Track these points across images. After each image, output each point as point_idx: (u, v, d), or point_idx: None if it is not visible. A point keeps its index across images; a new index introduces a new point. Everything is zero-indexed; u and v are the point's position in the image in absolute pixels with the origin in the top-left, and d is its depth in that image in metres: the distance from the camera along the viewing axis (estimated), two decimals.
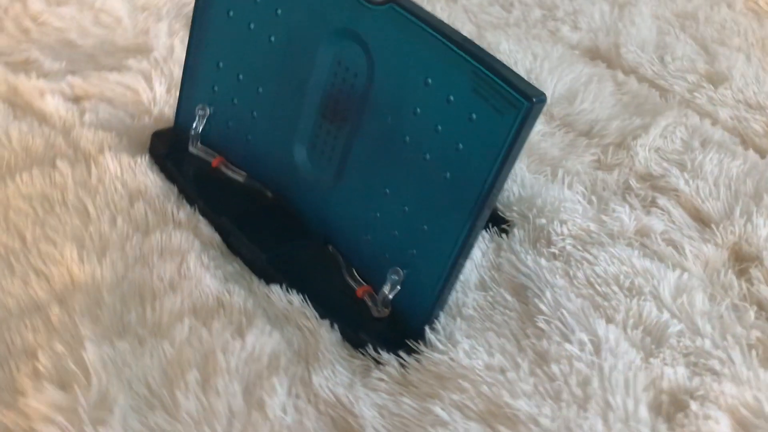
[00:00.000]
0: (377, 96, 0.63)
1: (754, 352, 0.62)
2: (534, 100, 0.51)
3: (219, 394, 0.57)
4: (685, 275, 0.67)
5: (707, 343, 0.62)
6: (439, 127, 0.58)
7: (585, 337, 0.60)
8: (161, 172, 0.76)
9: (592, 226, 0.71)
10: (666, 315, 0.63)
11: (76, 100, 0.83)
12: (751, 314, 0.65)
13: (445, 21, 0.85)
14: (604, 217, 0.72)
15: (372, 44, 0.62)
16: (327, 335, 0.63)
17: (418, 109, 0.59)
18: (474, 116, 0.55)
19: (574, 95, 0.86)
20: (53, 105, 0.81)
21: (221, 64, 0.74)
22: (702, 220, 0.76)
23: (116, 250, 0.67)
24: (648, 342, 0.61)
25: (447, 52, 0.56)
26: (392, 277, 0.64)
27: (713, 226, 0.74)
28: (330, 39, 0.65)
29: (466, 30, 0.94)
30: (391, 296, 0.64)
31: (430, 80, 0.58)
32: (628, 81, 0.90)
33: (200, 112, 0.76)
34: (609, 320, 0.62)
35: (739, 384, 0.59)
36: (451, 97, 0.56)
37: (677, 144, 0.82)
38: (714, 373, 0.60)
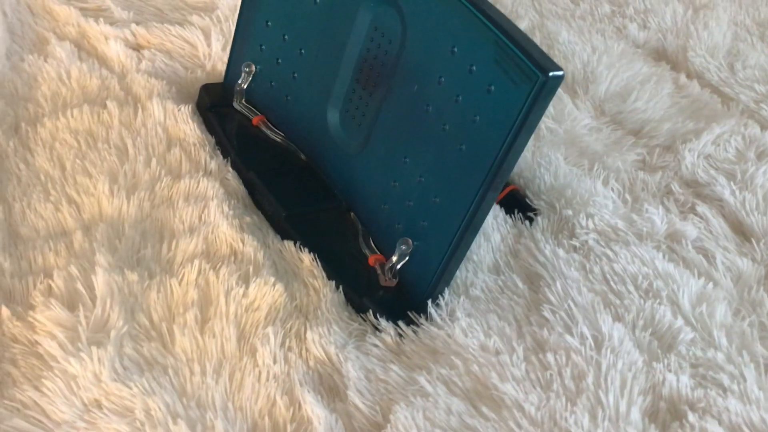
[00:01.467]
0: (407, 63, 0.63)
1: None
2: (550, 74, 0.50)
3: (214, 336, 0.59)
4: (710, 285, 0.64)
5: (720, 356, 0.58)
6: (460, 98, 0.57)
7: (587, 331, 0.58)
8: (203, 123, 0.78)
9: (620, 224, 0.68)
10: (680, 321, 0.60)
11: (137, 47, 0.87)
12: None
13: (510, 6, 0.84)
14: (634, 217, 0.69)
15: (406, 10, 0.62)
16: (330, 295, 0.63)
17: (443, 78, 0.59)
18: (492, 88, 0.54)
19: (628, 93, 0.83)
20: (115, 50, 0.85)
21: (270, 23, 0.75)
22: (743, 234, 0.72)
23: (146, 189, 0.69)
24: (655, 346, 0.59)
25: (474, 20, 0.55)
26: (401, 247, 0.64)
27: (754, 241, 0.70)
28: (368, 3, 0.65)
29: (529, 17, 0.92)
30: (399, 266, 0.64)
31: (456, 48, 0.57)
32: (689, 85, 0.86)
33: (246, 69, 0.78)
34: (617, 318, 0.60)
35: (746, 403, 0.56)
36: (474, 67, 0.56)
37: (730, 153, 0.78)
38: (721, 387, 0.57)
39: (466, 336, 0.59)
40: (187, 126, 0.76)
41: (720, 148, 0.78)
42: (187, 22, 0.91)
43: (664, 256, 0.66)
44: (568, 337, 0.58)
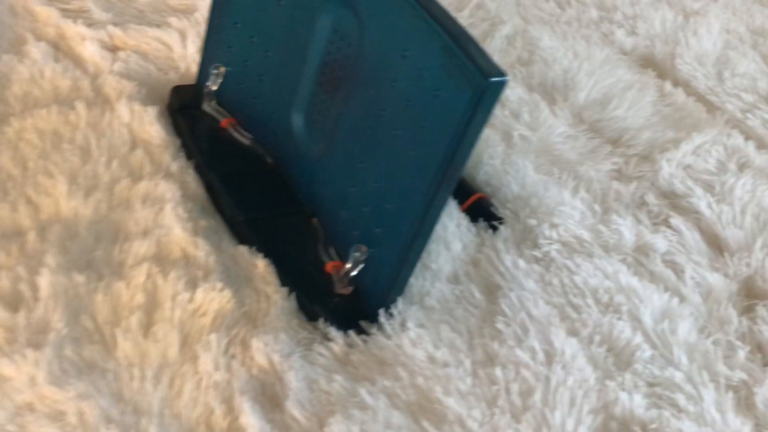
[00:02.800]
0: (364, 66, 0.61)
1: (731, 394, 0.56)
2: (491, 80, 0.48)
3: (157, 341, 0.58)
4: (676, 301, 0.61)
5: (678, 376, 0.56)
6: (410, 103, 0.56)
7: (538, 346, 0.56)
8: (171, 125, 0.78)
9: (586, 235, 0.66)
10: (639, 338, 0.58)
11: (113, 49, 0.86)
12: (741, 354, 0.59)
13: (493, 11, 0.83)
14: (602, 228, 0.67)
15: (363, 12, 0.60)
16: (281, 302, 0.62)
17: (395, 83, 0.57)
18: (439, 93, 0.53)
19: (609, 100, 0.81)
20: (90, 51, 0.84)
21: (238, 25, 0.74)
22: (718, 248, 0.69)
23: (105, 190, 0.69)
24: (610, 362, 0.56)
25: (423, 24, 0.54)
26: (355, 254, 0.62)
27: (728, 255, 0.67)
28: (328, 5, 0.64)
29: (512, 22, 0.90)
30: (353, 273, 0.63)
31: (407, 52, 0.56)
32: (674, 93, 0.83)
33: (214, 71, 0.77)
34: (572, 333, 0.58)
35: (702, 425, 0.53)
36: (423, 72, 0.54)
37: (711, 164, 0.75)
38: (676, 408, 0.54)
39: (414, 347, 0.57)
40: (152, 127, 0.75)
41: (700, 159, 0.75)
42: (165, 24, 0.90)
43: (629, 270, 0.63)
44: (518, 351, 0.56)
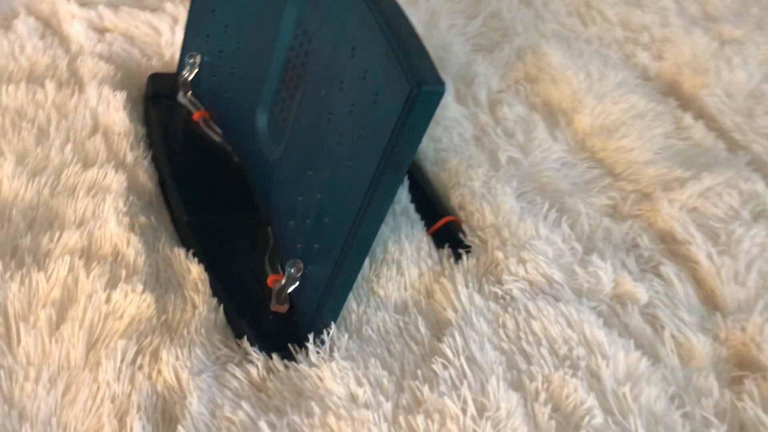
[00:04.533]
0: (319, 64, 0.56)
1: None
2: (422, 88, 0.42)
3: (62, 342, 0.53)
4: (645, 362, 0.53)
5: None
6: (353, 108, 0.50)
7: (470, 397, 0.49)
8: (142, 113, 0.74)
9: (557, 276, 0.58)
10: (592, 400, 0.50)
11: (102, 30, 0.83)
12: None
13: (507, 22, 0.77)
14: (577, 269, 0.59)
15: (322, 4, 0.55)
16: (207, 314, 0.57)
17: (343, 84, 0.52)
18: (377, 98, 0.46)
19: (616, 128, 0.73)
20: (77, 30, 0.82)
21: (215, 12, 0.70)
22: (714, 305, 0.60)
23: (52, 174, 0.65)
24: (553, 426, 0.49)
25: (372, 20, 0.47)
26: (289, 269, 0.57)
27: (721, 315, 0.59)
28: None
29: (526, 36, 0.83)
30: (289, 290, 0.57)
31: (355, 50, 0.50)
32: (693, 126, 0.74)
33: (189, 61, 0.73)
34: (515, 386, 0.51)
35: None
36: (366, 74, 0.48)
37: (721, 209, 0.66)
38: None
39: (335, 381, 0.51)
40: (117, 114, 0.71)
41: (708, 202, 0.66)
42: (161, 8, 0.87)
43: (599, 319, 0.56)
44: (447, 400, 0.49)
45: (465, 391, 0.50)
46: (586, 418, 0.49)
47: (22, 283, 0.56)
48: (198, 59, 0.73)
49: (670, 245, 0.65)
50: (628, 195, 0.68)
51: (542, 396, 0.50)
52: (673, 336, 0.56)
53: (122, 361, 0.53)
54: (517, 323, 0.55)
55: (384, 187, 0.46)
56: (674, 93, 0.80)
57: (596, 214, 0.65)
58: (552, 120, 0.75)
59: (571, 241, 0.62)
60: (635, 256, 0.63)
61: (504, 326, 0.55)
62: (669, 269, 0.61)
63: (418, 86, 0.42)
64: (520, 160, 0.69)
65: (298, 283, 0.57)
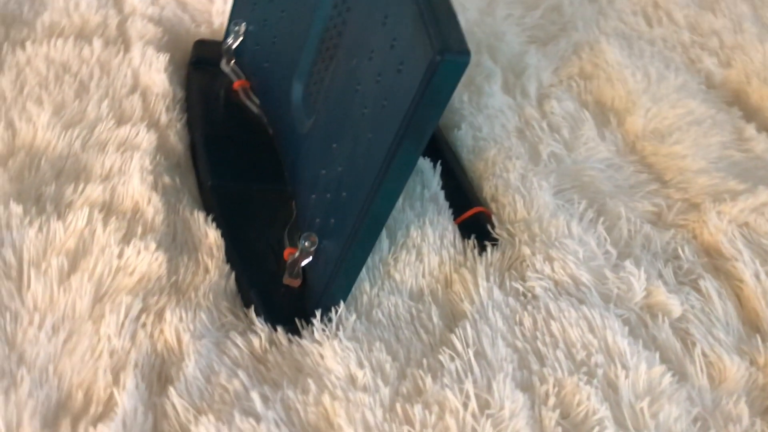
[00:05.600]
0: (352, 34, 0.54)
1: None
2: (445, 55, 0.39)
3: (69, 291, 0.53)
4: (670, 377, 0.49)
5: None
6: (379, 77, 0.48)
7: (473, 392, 0.46)
8: (182, 77, 0.74)
9: (585, 278, 0.55)
10: (605, 412, 0.47)
11: None
12: None
13: (568, 16, 0.74)
14: (608, 273, 0.56)
15: None
16: (217, 280, 0.56)
17: (373, 53, 0.49)
18: (402, 67, 0.44)
19: (670, 133, 0.69)
20: None
21: None
22: (756, 328, 0.56)
23: (85, 128, 0.65)
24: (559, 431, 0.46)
25: None
26: (303, 242, 0.55)
27: (762, 339, 0.54)
28: None
29: (586, 31, 0.79)
30: (303, 264, 0.55)
31: (387, 18, 0.48)
32: (756, 138, 0.69)
33: (235, 29, 0.72)
34: (524, 386, 0.48)
35: None
36: (395, 42, 0.46)
37: None
38: None
39: (336, 360, 0.49)
40: (158, 75, 0.71)
41: (762, 219, 0.62)
42: None
43: (625, 328, 0.52)
44: (450, 393, 0.47)
45: (469, 385, 0.47)
46: (596, 429, 0.46)
47: (40, 230, 0.56)
48: (243, 27, 0.72)
49: (715, 260, 0.60)
50: (674, 203, 0.64)
51: (552, 400, 0.47)
52: (704, 354, 0.52)
53: (126, 316, 0.52)
54: (535, 322, 0.52)
55: (400, 160, 0.44)
56: (739, 103, 0.75)
57: (637, 219, 0.62)
58: (602, 119, 0.71)
59: (605, 244, 0.58)
60: (674, 267, 0.58)
61: (521, 324, 0.52)
62: (709, 284, 0.57)
63: (441, 54, 0.39)
64: (563, 157, 0.66)
65: (311, 257, 0.55)
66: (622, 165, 0.67)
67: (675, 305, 0.55)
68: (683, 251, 0.60)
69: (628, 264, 0.56)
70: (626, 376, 0.49)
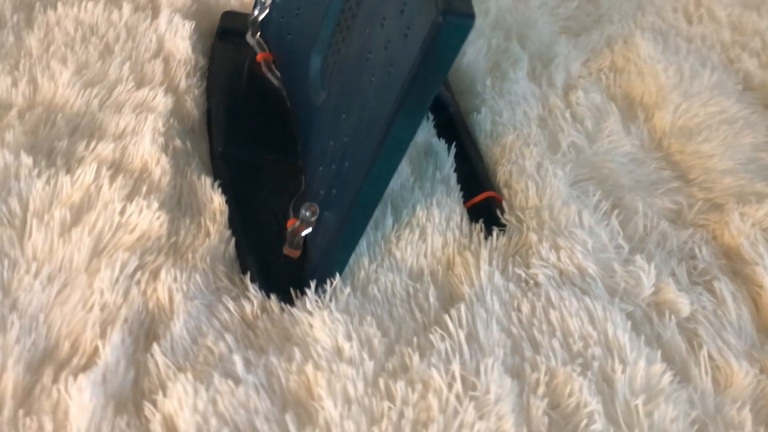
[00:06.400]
0: (369, 3, 0.53)
1: None
2: (447, 17, 0.38)
3: (68, 243, 0.53)
4: (669, 377, 0.47)
5: None
6: (387, 44, 0.47)
7: (459, 373, 0.45)
8: (207, 46, 0.74)
9: (592, 269, 0.53)
10: (597, 405, 0.45)
11: None
12: None
13: (604, 9, 0.73)
14: (617, 266, 0.53)
15: None
16: (217, 244, 0.55)
17: (384, 20, 0.48)
18: (408, 32, 0.43)
19: (699, 131, 0.66)
20: None
21: None
22: (766, 335, 0.53)
23: (105, 88, 0.65)
24: (545, 422, 0.44)
25: None
26: (304, 212, 0.54)
27: None
28: None
29: (621, 25, 0.77)
30: (303, 234, 0.54)
31: None
32: None
33: (262, 1, 0.72)
34: (513, 372, 0.46)
35: None
36: (405, 7, 0.45)
37: None
38: None
39: (324, 331, 0.48)
40: (182, 42, 0.71)
41: None
42: None
43: (627, 322, 0.50)
44: (435, 372, 0.45)
45: (456, 366, 0.45)
46: (585, 422, 0.44)
47: (47, 182, 0.57)
48: (269, 0, 0.72)
49: (734, 263, 0.57)
50: (696, 202, 0.61)
51: (541, 389, 0.45)
52: (711, 357, 0.50)
53: (121, 272, 0.52)
54: (533, 309, 0.50)
55: (399, 127, 0.43)
56: None
57: (655, 215, 0.59)
58: (630, 113, 0.69)
59: (617, 237, 0.56)
60: (689, 266, 0.56)
61: (518, 310, 0.50)
62: (724, 286, 0.54)
63: (444, 15, 0.38)
64: (584, 148, 0.64)
65: (311, 228, 0.54)
66: (645, 160, 0.64)
67: (684, 304, 0.52)
68: (700, 251, 0.57)
69: (639, 258, 0.54)
70: (623, 371, 0.47)
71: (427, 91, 0.41)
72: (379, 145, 0.44)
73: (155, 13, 0.75)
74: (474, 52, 0.71)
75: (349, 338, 0.48)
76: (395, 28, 0.46)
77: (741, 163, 0.63)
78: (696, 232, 0.59)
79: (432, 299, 0.52)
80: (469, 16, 0.38)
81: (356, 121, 0.51)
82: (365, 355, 0.46)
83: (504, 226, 0.58)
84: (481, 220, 0.58)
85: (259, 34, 0.73)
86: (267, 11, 0.72)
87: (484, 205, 0.60)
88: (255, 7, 0.73)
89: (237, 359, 0.46)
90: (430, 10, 0.39)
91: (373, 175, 0.46)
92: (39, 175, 0.57)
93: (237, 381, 0.45)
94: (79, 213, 0.55)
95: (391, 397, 0.44)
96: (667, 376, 0.47)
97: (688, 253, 0.57)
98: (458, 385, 0.44)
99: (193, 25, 0.73)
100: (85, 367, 0.47)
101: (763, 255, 0.56)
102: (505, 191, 0.60)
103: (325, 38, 0.62)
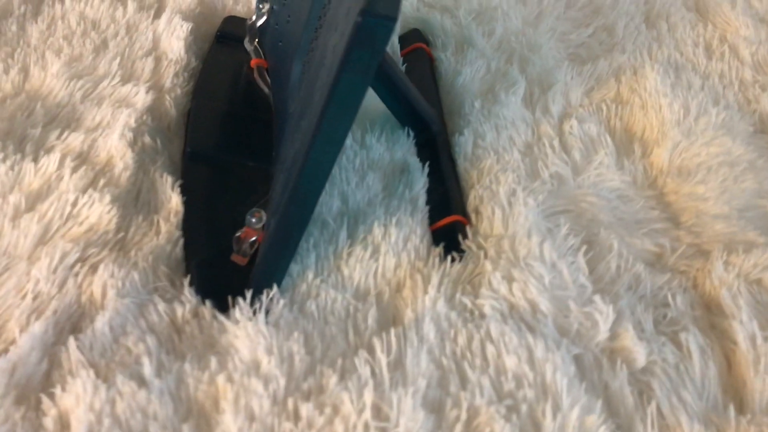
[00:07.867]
0: (333, 7, 0.51)
1: None
2: (366, 17, 0.36)
3: (18, 229, 0.53)
4: (607, 431, 0.43)
5: None
6: (335, 47, 0.45)
7: (370, 401, 0.42)
8: (203, 49, 0.73)
9: (544, 306, 0.49)
10: None
11: None
12: None
13: (619, 38, 0.72)
14: (573, 305, 0.50)
15: None
16: (164, 244, 0.54)
17: (338, 24, 0.46)
18: (344, 33, 0.41)
19: (696, 171, 0.61)
20: None
21: None
22: (736, 399, 0.48)
23: (91, 81, 0.66)
24: None
25: None
26: (249, 218, 0.53)
27: (739, 411, 0.46)
28: None
29: (632, 56, 0.73)
30: (250, 241, 0.53)
31: None
32: None
33: (260, 6, 0.71)
34: (432, 408, 0.43)
35: None
36: (350, 10, 0.42)
37: None
38: None
39: (247, 343, 0.46)
40: (177, 42, 0.71)
41: None
42: None
43: (571, 367, 0.46)
44: (347, 397, 0.43)
45: (369, 394, 0.43)
46: None
47: (11, 168, 0.57)
48: (267, 6, 0.71)
49: (713, 315, 0.53)
50: (680, 246, 0.56)
51: (459, 428, 0.42)
52: (661, 415, 0.45)
53: (60, 262, 0.51)
54: (470, 341, 0.47)
55: (324, 130, 0.41)
56: None
57: (631, 256, 0.55)
58: (627, 147, 0.65)
59: (580, 275, 0.52)
60: (659, 314, 0.52)
61: (454, 341, 0.47)
62: (692, 339, 0.50)
63: (363, 15, 0.36)
64: (567, 179, 0.60)
65: (257, 236, 0.52)
66: (633, 198, 0.60)
67: (640, 354, 0.48)
68: (674, 299, 0.53)
69: (598, 300, 0.50)
70: (554, 418, 0.43)
71: (351, 94, 0.40)
72: (308, 151, 0.42)
73: (158, 13, 0.75)
74: (470, 73, 0.69)
75: (269, 353, 0.46)
76: (342, 31, 0.44)
77: (737, 209, 0.58)
78: (674, 278, 0.54)
79: (371, 321, 0.49)
80: (389, 18, 0.36)
81: (306, 126, 0.49)
82: (280, 373, 0.44)
83: (462, 252, 0.55)
84: (441, 244, 0.56)
85: (256, 40, 0.73)
86: (264, 18, 0.72)
87: (449, 228, 0.57)
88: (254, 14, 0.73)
89: (146, 362, 0.45)
90: (355, 11, 0.38)
91: (302, 182, 0.44)
92: (4, 161, 0.57)
93: (142, 384, 0.43)
94: (35, 201, 0.55)
95: (296, 419, 0.42)
96: (604, 429, 0.43)
97: (662, 300, 0.53)
98: (367, 414, 0.42)
99: (191, 26, 0.73)
100: (1, 353, 0.47)
101: (742, 308, 0.51)
102: (473, 216, 0.57)
103: (305, 45, 0.61)
